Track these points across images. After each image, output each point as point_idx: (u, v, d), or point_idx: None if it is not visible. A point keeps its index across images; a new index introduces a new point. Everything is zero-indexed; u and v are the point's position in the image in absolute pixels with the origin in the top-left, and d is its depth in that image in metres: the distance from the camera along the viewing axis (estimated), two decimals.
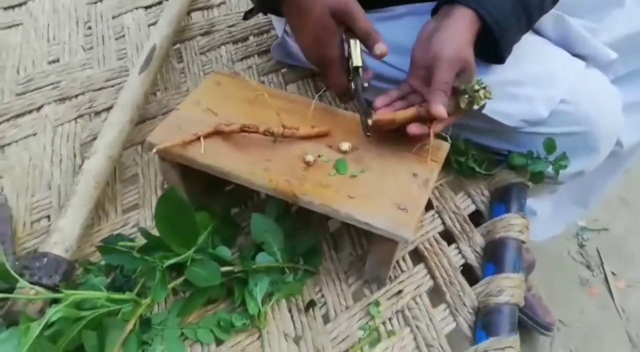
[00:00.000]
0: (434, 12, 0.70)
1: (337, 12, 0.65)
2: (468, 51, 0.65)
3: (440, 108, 0.62)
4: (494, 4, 0.66)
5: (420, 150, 0.65)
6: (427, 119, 0.63)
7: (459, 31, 0.65)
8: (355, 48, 0.67)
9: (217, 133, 0.65)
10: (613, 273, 1.47)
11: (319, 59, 0.69)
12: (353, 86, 0.68)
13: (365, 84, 0.68)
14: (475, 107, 0.64)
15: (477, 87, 0.63)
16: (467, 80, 0.64)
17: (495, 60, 0.72)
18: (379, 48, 0.65)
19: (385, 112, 0.66)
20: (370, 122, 0.65)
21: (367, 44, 0.66)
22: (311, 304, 0.67)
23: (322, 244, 0.73)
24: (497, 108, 0.74)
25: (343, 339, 0.65)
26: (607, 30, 0.81)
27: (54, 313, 0.54)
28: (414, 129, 0.63)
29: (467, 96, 0.64)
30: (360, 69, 0.68)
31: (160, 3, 1.07)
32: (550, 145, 0.74)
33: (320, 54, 0.68)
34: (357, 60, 0.67)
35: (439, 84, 0.63)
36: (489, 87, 0.63)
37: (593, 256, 1.50)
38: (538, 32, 0.81)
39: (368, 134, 0.67)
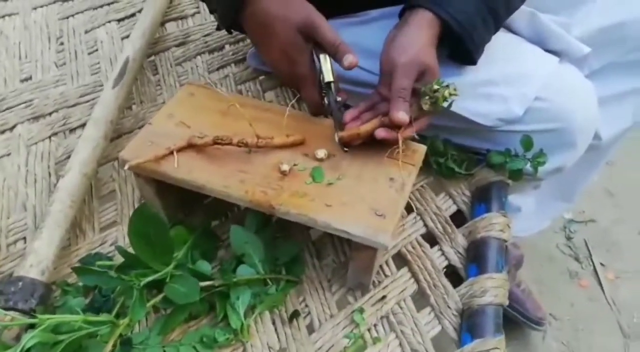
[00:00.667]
0: (400, 17, 0.70)
1: (302, 27, 0.65)
2: (426, 55, 0.65)
3: (400, 115, 0.62)
4: (455, 7, 0.66)
5: (396, 155, 0.64)
6: (393, 126, 0.63)
7: (415, 36, 0.65)
8: (326, 63, 0.67)
9: (190, 146, 0.64)
10: (602, 264, 1.48)
11: (290, 77, 0.69)
12: (326, 102, 0.68)
13: (339, 99, 0.68)
14: (442, 106, 0.64)
15: (436, 87, 0.63)
16: (429, 82, 0.64)
17: (467, 62, 0.72)
18: (347, 59, 0.65)
19: (353, 126, 0.66)
20: (336, 138, 0.65)
21: (336, 56, 0.66)
22: (295, 315, 0.66)
23: (304, 252, 0.72)
24: (473, 108, 0.74)
25: (328, 349, 0.64)
26: (579, 24, 0.81)
27: (29, 339, 0.53)
28: (381, 133, 0.64)
29: (427, 97, 0.64)
30: (332, 84, 0.67)
31: (133, 15, 1.06)
32: (527, 143, 0.74)
33: (290, 71, 0.68)
34: (328, 75, 0.67)
35: (397, 90, 0.63)
36: (453, 85, 0.63)
37: (581, 248, 1.51)
38: (511, 30, 0.81)
39: (345, 149, 0.66)
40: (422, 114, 0.65)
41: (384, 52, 0.67)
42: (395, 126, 0.63)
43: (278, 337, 0.65)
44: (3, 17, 1.03)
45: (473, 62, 0.72)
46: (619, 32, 0.80)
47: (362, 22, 0.82)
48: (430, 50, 0.65)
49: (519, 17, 0.78)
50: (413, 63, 0.64)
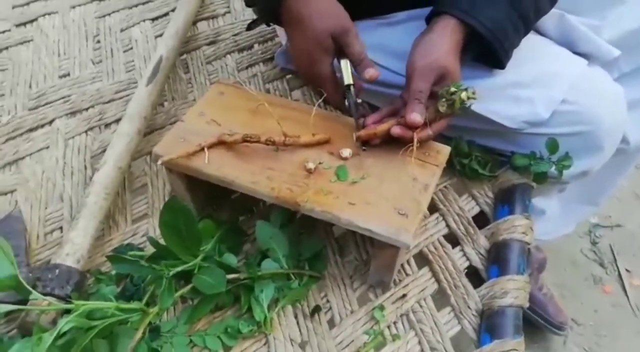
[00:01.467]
0: (427, 22, 0.71)
1: (336, 35, 0.67)
2: (447, 59, 0.66)
3: (414, 116, 0.64)
4: (485, 14, 0.66)
5: (409, 152, 0.65)
6: (409, 127, 0.65)
7: (438, 42, 0.67)
8: (346, 68, 0.69)
9: (220, 143, 0.66)
10: (627, 270, 1.45)
11: (311, 75, 0.71)
12: (347, 103, 0.70)
13: (359, 100, 0.69)
14: (459, 108, 0.65)
15: (453, 89, 0.64)
16: (448, 85, 0.65)
17: (495, 66, 0.73)
18: (369, 73, 0.67)
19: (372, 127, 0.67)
20: (354, 137, 0.67)
21: (358, 68, 0.68)
22: (316, 309, 0.68)
23: (327, 249, 0.74)
24: (500, 110, 0.74)
25: (348, 344, 0.66)
26: (609, 27, 0.80)
27: (65, 323, 0.56)
28: (396, 130, 0.65)
29: (444, 100, 0.65)
30: (352, 87, 0.69)
31: (167, 14, 1.09)
32: (552, 146, 0.74)
33: (311, 70, 0.70)
34: (348, 79, 0.69)
35: (414, 92, 0.65)
36: (472, 89, 0.64)
37: (606, 253, 1.48)
38: (539, 31, 0.81)
39: (364, 148, 0.68)
40: (439, 116, 0.66)
41: (408, 58, 0.68)
42: (411, 127, 0.64)
43: (300, 330, 0.67)
44: (43, 15, 1.07)
45: (501, 66, 0.72)
46: None
47: (390, 23, 0.83)
48: (451, 55, 0.66)
49: (547, 19, 0.78)
50: (432, 66, 0.65)
